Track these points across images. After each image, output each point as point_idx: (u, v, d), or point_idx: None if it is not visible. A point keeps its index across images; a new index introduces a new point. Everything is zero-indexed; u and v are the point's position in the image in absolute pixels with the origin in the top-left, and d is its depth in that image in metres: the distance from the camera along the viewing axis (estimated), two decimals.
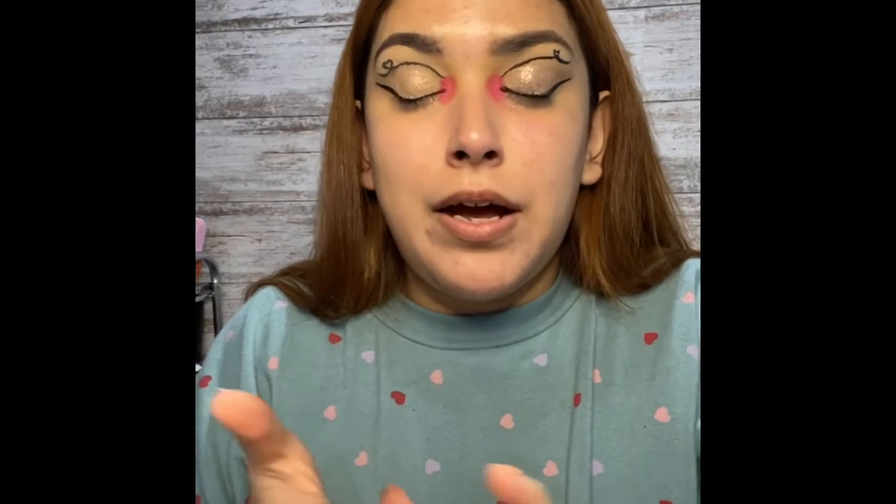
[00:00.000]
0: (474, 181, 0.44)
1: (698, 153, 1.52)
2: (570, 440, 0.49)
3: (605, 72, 0.51)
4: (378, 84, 0.48)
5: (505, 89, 0.46)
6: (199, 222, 1.74)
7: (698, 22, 1.52)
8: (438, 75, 0.46)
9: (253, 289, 0.59)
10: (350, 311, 0.55)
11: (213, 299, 1.72)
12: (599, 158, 0.52)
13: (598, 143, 0.52)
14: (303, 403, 0.53)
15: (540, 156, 0.45)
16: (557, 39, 0.46)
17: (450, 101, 0.46)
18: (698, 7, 1.53)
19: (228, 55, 1.75)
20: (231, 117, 1.72)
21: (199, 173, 1.79)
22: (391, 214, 0.49)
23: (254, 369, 0.54)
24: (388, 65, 0.47)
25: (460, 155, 0.44)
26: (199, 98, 1.76)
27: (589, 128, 0.51)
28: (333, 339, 0.55)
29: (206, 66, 1.75)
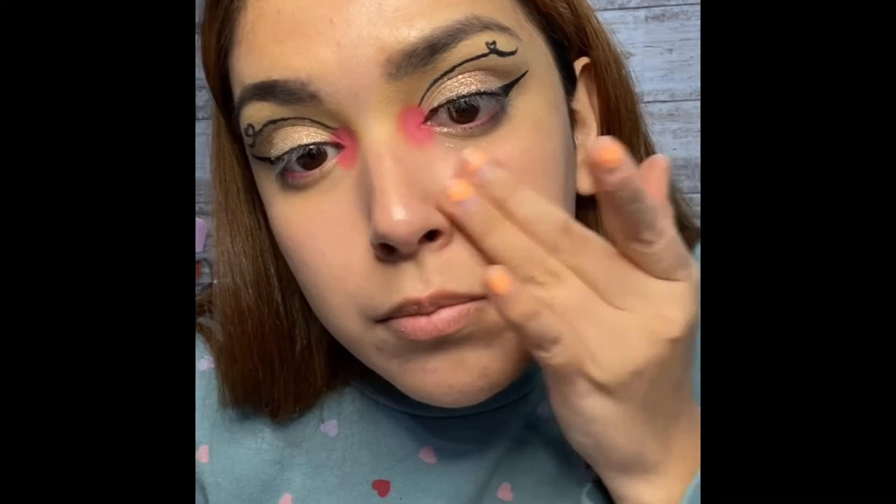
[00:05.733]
0: (419, 282, 0.31)
1: (698, 153, 1.52)
2: None
3: (575, 38, 0.38)
4: (253, 156, 0.35)
5: (431, 121, 0.32)
6: (199, 222, 1.74)
7: (698, 22, 1.52)
8: (326, 127, 0.32)
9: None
10: (294, 411, 0.42)
11: None
12: None
13: (592, 132, 0.40)
14: None
15: None
16: (487, 25, 0.32)
17: (354, 164, 0.32)
18: (698, 7, 1.53)
19: None
20: None
21: (199, 173, 1.78)
22: (328, 329, 0.37)
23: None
24: (250, 131, 0.33)
25: (388, 247, 0.31)
26: (199, 98, 1.75)
27: (572, 115, 0.39)
28: None
29: None
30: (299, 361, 0.41)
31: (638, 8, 1.61)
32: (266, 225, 0.39)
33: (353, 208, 0.32)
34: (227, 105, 0.37)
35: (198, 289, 1.72)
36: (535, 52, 0.34)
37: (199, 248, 1.73)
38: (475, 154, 0.31)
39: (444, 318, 0.32)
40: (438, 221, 0.31)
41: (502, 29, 0.32)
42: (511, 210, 0.30)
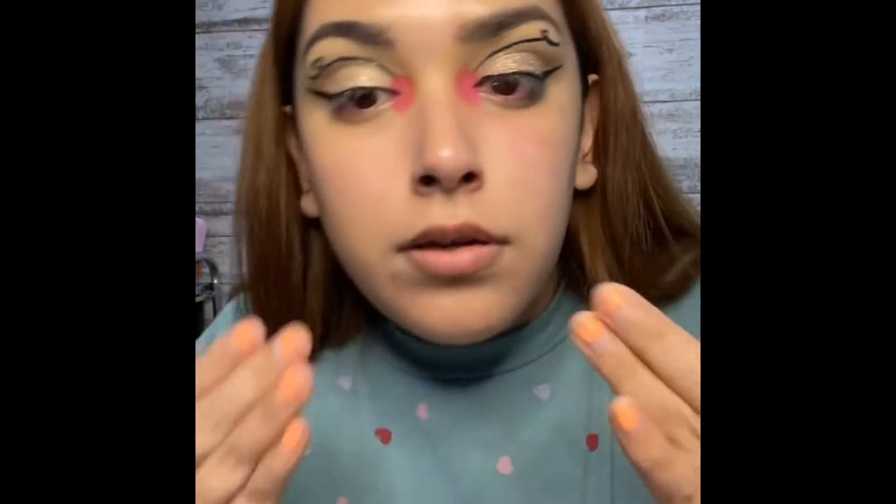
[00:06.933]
0: (448, 213, 0.35)
1: (698, 153, 1.52)
2: (584, 492, 0.41)
3: (593, 54, 0.42)
4: (310, 90, 0.38)
5: (480, 87, 0.36)
6: (199, 222, 1.74)
7: (698, 22, 1.52)
8: (390, 73, 0.36)
9: (235, 290, 0.49)
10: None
11: (213, 299, 1.72)
12: (591, 156, 0.43)
13: (588, 139, 0.43)
14: None
15: (531, 173, 0.36)
16: (544, 16, 0.37)
17: (408, 109, 0.36)
18: (698, 7, 1.53)
19: (229, 55, 1.75)
20: (231, 117, 1.72)
21: (199, 173, 1.79)
22: (343, 256, 0.39)
23: None
24: (319, 63, 0.36)
25: (429, 180, 0.34)
26: (200, 98, 1.76)
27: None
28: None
29: (206, 66, 1.75)
30: (295, 298, 0.44)
31: (638, 8, 1.62)
32: (293, 173, 0.42)
33: (399, 147, 0.35)
34: (288, 49, 0.40)
35: (198, 289, 1.72)
36: (567, 51, 0.39)
37: (199, 248, 1.73)
38: (617, 288, 0.29)
39: (466, 258, 0.35)
40: (477, 166, 0.34)
41: (553, 23, 0.37)
42: (651, 360, 0.29)
